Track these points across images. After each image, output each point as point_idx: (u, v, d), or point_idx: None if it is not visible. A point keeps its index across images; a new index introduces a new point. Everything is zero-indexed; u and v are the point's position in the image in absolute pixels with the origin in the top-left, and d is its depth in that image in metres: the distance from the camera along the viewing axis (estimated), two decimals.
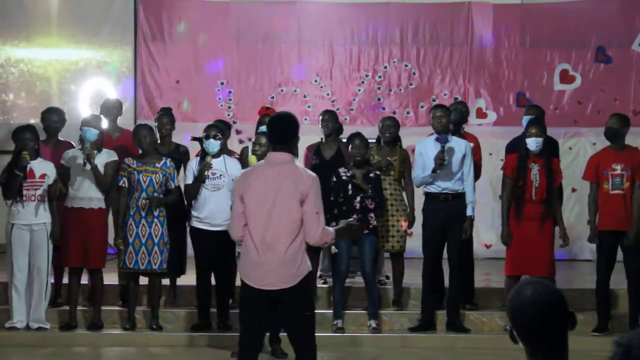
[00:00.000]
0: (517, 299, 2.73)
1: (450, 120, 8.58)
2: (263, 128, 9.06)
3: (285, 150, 5.53)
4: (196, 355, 8.20)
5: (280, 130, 5.59)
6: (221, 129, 8.58)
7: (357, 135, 8.70)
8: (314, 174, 5.56)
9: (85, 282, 8.73)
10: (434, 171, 8.41)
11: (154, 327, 8.52)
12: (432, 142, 8.54)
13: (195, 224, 8.46)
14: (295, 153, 5.77)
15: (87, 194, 8.42)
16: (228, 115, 12.02)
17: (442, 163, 8.36)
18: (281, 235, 5.40)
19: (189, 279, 8.96)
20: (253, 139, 8.59)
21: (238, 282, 8.33)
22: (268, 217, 5.41)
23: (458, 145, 8.56)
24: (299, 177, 5.45)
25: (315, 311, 8.62)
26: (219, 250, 8.17)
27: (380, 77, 12.48)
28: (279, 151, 5.53)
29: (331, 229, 5.57)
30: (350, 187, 8.49)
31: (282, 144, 5.54)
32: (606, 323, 8.48)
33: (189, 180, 8.43)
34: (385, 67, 12.48)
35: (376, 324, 8.59)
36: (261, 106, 10.40)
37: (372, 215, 8.53)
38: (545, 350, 2.70)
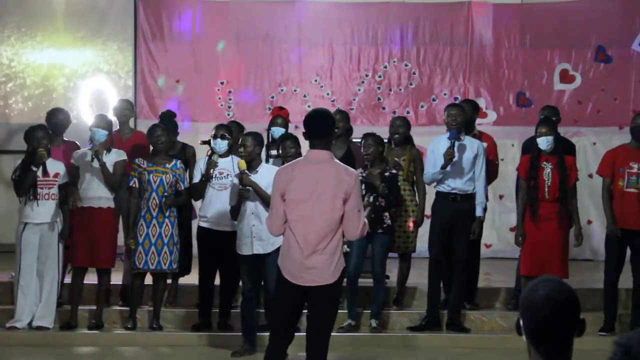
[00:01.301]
0: (532, 295, 2.71)
1: (464, 120, 8.55)
2: (275, 128, 9.05)
3: (322, 146, 5.63)
4: (196, 355, 8.20)
5: (317, 127, 5.69)
6: (229, 128, 8.56)
7: (370, 135, 8.69)
8: (355, 171, 5.69)
9: (92, 282, 8.74)
10: (443, 167, 8.39)
11: (155, 326, 8.52)
12: (445, 140, 8.50)
13: (202, 223, 8.46)
14: (331, 149, 5.83)
15: (96, 193, 8.44)
16: (228, 115, 12.02)
17: (451, 159, 8.34)
18: (323, 234, 5.52)
19: (189, 278, 8.97)
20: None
21: (239, 283, 8.42)
22: (310, 215, 5.51)
23: (470, 144, 8.54)
24: (341, 176, 5.54)
25: None
26: (224, 250, 8.14)
27: (380, 76, 12.48)
28: (317, 148, 5.63)
29: (364, 218, 5.70)
30: (363, 187, 8.47)
31: (319, 140, 5.64)
32: (613, 323, 8.46)
33: (197, 179, 8.43)
34: (385, 67, 12.48)
35: (377, 324, 8.58)
36: (271, 107, 10.45)
37: (386, 214, 8.51)
38: (551, 350, 2.69)
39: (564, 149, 8.59)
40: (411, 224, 8.83)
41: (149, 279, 8.57)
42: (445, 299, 8.78)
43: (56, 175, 8.40)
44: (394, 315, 8.89)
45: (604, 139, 11.91)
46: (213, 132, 8.40)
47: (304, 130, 5.79)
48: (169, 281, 8.88)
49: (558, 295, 2.69)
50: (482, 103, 12.36)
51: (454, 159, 8.36)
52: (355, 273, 8.50)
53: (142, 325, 8.63)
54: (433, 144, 8.65)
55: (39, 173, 8.29)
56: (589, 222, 11.40)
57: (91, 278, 8.73)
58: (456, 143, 8.39)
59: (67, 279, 8.79)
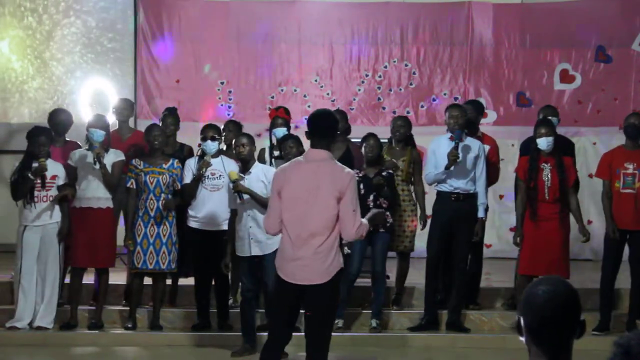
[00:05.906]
0: (534, 293, 2.70)
1: (465, 121, 8.53)
2: (277, 129, 9.03)
3: (322, 146, 5.64)
4: (196, 355, 8.21)
5: (319, 127, 5.69)
6: (218, 129, 8.58)
7: (372, 135, 8.72)
8: (351, 171, 5.69)
9: (89, 281, 8.75)
10: (447, 168, 8.39)
11: (155, 326, 8.53)
12: (446, 140, 8.50)
13: (193, 224, 8.45)
14: (332, 150, 5.87)
15: (95, 193, 8.44)
16: (228, 115, 12.02)
17: (455, 160, 8.34)
18: (317, 232, 5.53)
19: (189, 278, 8.97)
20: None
21: (237, 282, 8.43)
22: (305, 214, 5.52)
23: (472, 145, 8.54)
24: (337, 175, 5.56)
25: None
26: (217, 250, 8.16)
27: (380, 76, 12.48)
28: (318, 148, 5.64)
29: (365, 221, 5.67)
30: (362, 186, 8.46)
31: (319, 139, 5.65)
32: (608, 322, 8.49)
33: (188, 180, 8.43)
34: (385, 67, 12.48)
35: (377, 324, 8.58)
36: (270, 108, 10.45)
37: (388, 213, 8.50)
38: (554, 347, 2.68)
39: (563, 148, 8.60)
40: (417, 223, 8.83)
41: (148, 280, 8.57)
42: (443, 299, 8.77)
43: (54, 177, 8.39)
44: (394, 315, 8.89)
45: (604, 139, 11.90)
46: (201, 135, 8.43)
47: (307, 130, 5.80)
48: (168, 282, 8.88)
49: (561, 292, 2.70)
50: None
51: (458, 160, 8.35)
52: (356, 274, 8.52)
53: (142, 325, 8.64)
54: (434, 144, 8.65)
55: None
56: (589, 222, 11.37)
57: (89, 277, 8.74)
58: (460, 144, 8.38)
59: (67, 279, 8.79)
